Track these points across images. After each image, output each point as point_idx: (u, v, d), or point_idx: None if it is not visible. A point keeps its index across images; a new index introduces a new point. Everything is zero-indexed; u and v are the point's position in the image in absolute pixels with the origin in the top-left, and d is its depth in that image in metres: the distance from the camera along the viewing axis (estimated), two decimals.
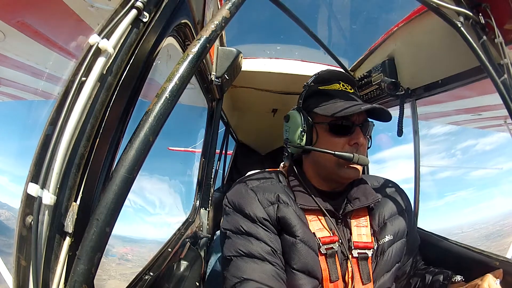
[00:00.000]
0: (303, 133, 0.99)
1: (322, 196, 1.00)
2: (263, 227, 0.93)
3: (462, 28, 1.04)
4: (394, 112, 1.66)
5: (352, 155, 0.91)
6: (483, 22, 1.04)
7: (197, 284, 1.24)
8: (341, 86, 1.02)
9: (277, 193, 0.97)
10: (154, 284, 1.00)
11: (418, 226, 1.50)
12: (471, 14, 1.04)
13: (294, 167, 1.06)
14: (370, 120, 1.01)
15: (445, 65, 1.33)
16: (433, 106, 2.06)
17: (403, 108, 1.58)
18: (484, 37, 1.03)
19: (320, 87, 1.03)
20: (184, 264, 1.32)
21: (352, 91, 1.03)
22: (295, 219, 0.93)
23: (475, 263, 1.07)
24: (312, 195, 0.98)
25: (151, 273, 1.00)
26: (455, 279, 0.91)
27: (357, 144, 0.94)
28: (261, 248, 0.90)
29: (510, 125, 2.51)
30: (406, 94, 1.59)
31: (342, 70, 1.07)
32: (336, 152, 0.93)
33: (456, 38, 1.06)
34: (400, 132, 1.54)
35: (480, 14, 1.04)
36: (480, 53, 1.02)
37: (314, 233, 0.94)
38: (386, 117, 1.00)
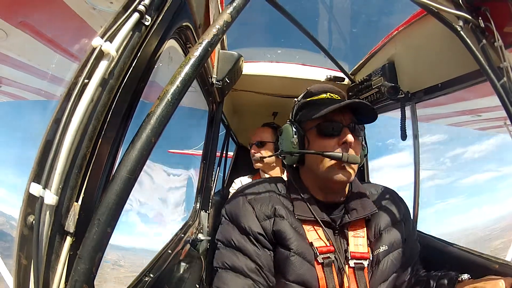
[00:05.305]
0: (294, 142, 1.02)
1: (320, 206, 1.01)
2: (255, 242, 0.95)
3: (461, 32, 1.05)
4: (395, 114, 1.67)
5: (341, 154, 0.92)
6: (483, 25, 1.04)
7: (197, 286, 1.24)
8: (327, 95, 1.08)
9: (274, 206, 0.99)
10: (154, 285, 1.00)
11: (417, 229, 1.49)
12: (470, 17, 1.05)
13: (292, 178, 1.08)
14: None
15: (445, 68, 1.34)
16: (433, 108, 2.07)
17: (404, 112, 1.58)
18: (484, 41, 1.03)
19: (308, 99, 1.10)
20: (183, 266, 1.32)
21: (339, 98, 1.08)
22: (290, 232, 0.95)
23: (474, 266, 1.07)
24: (310, 206, 0.99)
25: (151, 275, 1.00)
26: (462, 278, 0.89)
27: (347, 144, 0.95)
28: (245, 264, 0.93)
29: (510, 126, 2.52)
30: (406, 97, 1.59)
31: (330, 85, 1.12)
32: (324, 152, 0.94)
33: (456, 41, 1.07)
34: (403, 136, 1.54)
35: (480, 17, 1.05)
36: (480, 56, 1.03)
37: (311, 242, 0.95)
38: (372, 115, 1.01)
